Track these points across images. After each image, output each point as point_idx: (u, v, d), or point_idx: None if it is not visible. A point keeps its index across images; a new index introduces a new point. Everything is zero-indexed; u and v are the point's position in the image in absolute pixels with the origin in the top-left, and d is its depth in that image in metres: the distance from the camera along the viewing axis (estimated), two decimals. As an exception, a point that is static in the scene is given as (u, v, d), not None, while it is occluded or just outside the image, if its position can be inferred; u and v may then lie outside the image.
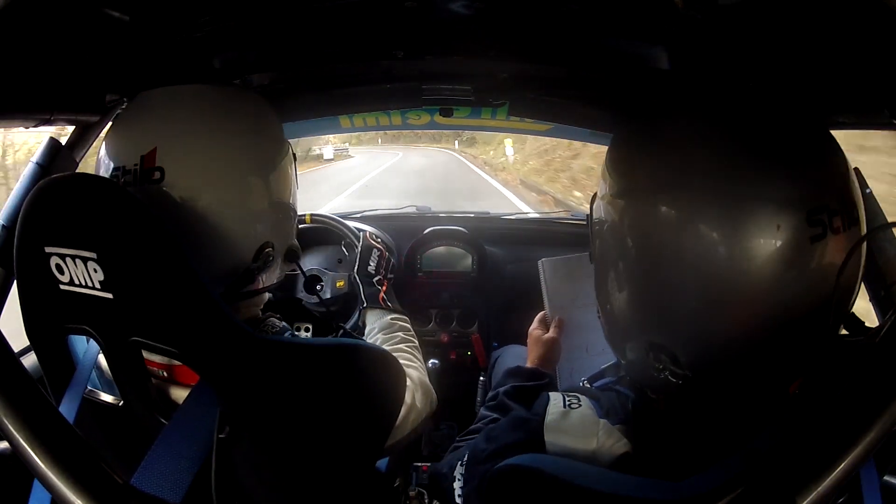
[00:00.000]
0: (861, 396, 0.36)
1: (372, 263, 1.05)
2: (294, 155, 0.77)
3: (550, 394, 0.62)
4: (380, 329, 0.94)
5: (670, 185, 0.49)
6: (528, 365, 0.89)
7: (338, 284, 1.33)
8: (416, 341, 0.94)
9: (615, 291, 0.56)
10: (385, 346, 0.89)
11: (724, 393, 0.52)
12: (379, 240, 1.10)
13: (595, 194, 0.60)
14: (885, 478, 0.50)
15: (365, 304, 0.97)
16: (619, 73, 0.96)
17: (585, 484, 0.48)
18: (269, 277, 0.72)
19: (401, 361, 0.81)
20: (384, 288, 1.00)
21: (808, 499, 0.33)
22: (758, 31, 0.67)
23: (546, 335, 0.91)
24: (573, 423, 0.57)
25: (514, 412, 0.64)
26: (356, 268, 1.04)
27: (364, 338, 0.94)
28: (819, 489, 0.34)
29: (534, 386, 0.80)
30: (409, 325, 0.96)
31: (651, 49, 0.86)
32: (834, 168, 0.50)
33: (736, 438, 0.47)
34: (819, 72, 0.68)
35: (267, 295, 0.77)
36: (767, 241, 0.45)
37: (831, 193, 0.48)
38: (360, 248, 1.06)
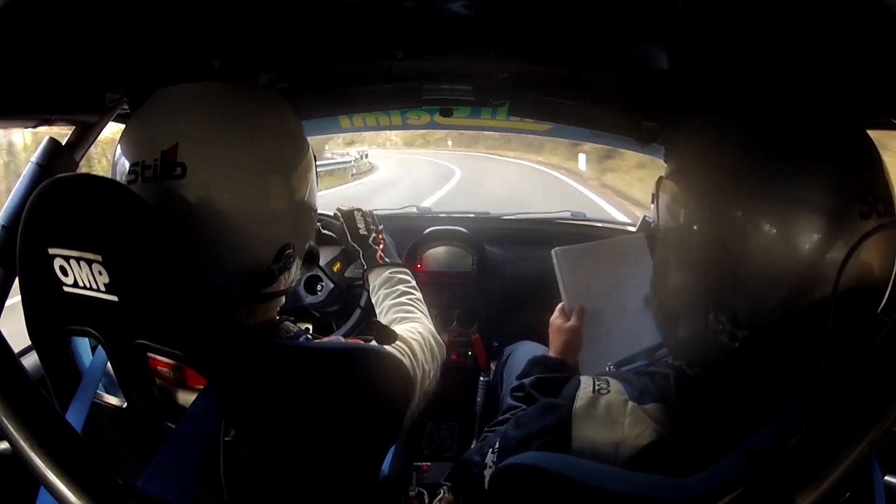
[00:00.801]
0: (862, 395, 0.36)
1: (360, 225, 1.05)
2: (314, 155, 0.75)
3: (581, 378, 0.62)
4: (380, 285, 0.93)
5: (740, 171, 0.55)
6: (552, 354, 0.88)
7: (335, 268, 1.31)
8: (419, 292, 0.94)
9: (677, 266, 0.61)
10: (387, 301, 0.90)
11: (771, 365, 0.55)
12: (350, 206, 1.10)
13: (658, 182, 0.65)
14: (886, 478, 0.50)
15: (366, 267, 0.98)
16: (620, 73, 0.96)
17: (589, 482, 0.48)
18: (289, 279, 0.71)
19: (402, 314, 0.82)
20: (381, 246, 1.01)
21: (810, 498, 0.33)
22: (758, 31, 0.67)
23: (568, 324, 0.91)
24: (600, 411, 0.57)
25: (543, 400, 0.65)
26: (348, 236, 1.04)
27: (371, 297, 0.95)
28: (821, 488, 0.34)
29: (559, 378, 0.79)
30: (409, 277, 0.96)
31: (651, 49, 0.86)
32: (878, 164, 0.56)
33: (768, 418, 0.48)
34: (819, 72, 0.68)
35: (283, 298, 0.75)
36: (827, 216, 0.52)
37: (877, 183, 0.54)
38: (342, 218, 1.06)
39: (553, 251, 0.96)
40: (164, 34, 0.76)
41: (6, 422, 0.42)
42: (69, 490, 0.39)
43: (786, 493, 0.34)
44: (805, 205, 0.52)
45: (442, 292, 1.56)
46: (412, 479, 1.33)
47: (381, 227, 1.07)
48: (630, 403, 0.57)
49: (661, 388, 0.59)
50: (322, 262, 1.35)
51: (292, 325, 0.72)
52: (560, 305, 0.94)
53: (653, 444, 0.54)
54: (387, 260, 0.98)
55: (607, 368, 0.76)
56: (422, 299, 0.92)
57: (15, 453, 0.41)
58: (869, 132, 0.58)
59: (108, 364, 0.64)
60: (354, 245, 1.03)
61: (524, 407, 0.74)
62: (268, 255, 0.64)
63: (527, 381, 0.79)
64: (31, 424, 0.42)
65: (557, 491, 0.49)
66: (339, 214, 1.08)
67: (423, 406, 0.77)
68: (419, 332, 0.80)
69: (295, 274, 0.72)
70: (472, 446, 0.73)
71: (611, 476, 0.49)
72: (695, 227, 0.58)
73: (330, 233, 1.13)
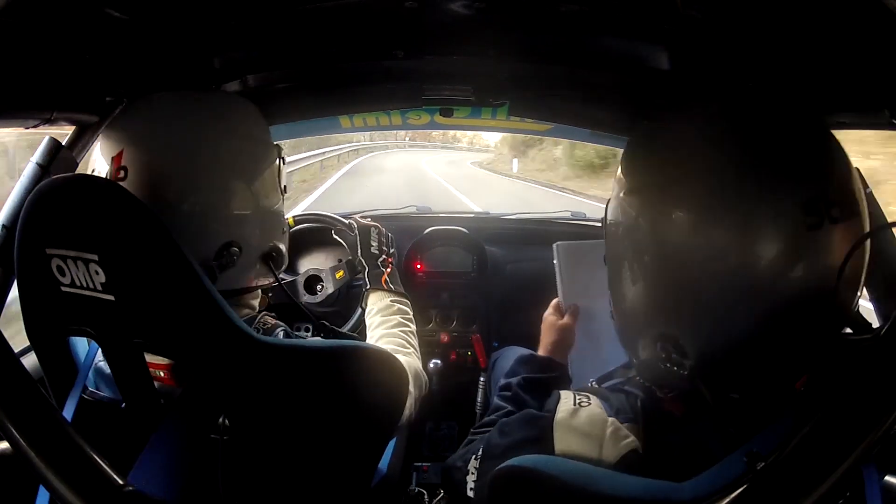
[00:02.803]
0: (861, 397, 0.36)
1: (374, 243, 1.03)
2: (283, 158, 0.79)
3: (561, 392, 0.62)
4: (378, 311, 0.93)
5: (675, 181, 0.52)
6: (541, 352, 0.87)
7: (337, 275, 1.30)
8: (414, 326, 0.93)
9: (626, 287, 0.58)
10: (381, 329, 0.89)
11: (729, 388, 0.53)
12: (369, 219, 1.09)
13: (608, 201, 0.62)
14: (886, 478, 0.50)
15: (368, 286, 0.96)
16: (619, 73, 0.96)
17: (586, 484, 0.48)
18: (241, 277, 0.73)
19: (393, 346, 0.82)
20: (388, 270, 0.99)
21: (810, 498, 0.33)
22: (758, 31, 0.67)
23: (561, 321, 0.89)
24: (582, 421, 0.57)
25: (526, 409, 0.65)
26: (359, 250, 1.02)
27: (365, 317, 0.94)
28: (819, 489, 0.34)
29: (546, 378, 0.80)
30: (408, 309, 0.95)
31: (651, 49, 0.86)
32: (831, 161, 0.51)
33: (742, 437, 0.47)
34: (819, 72, 0.68)
35: (258, 294, 0.79)
36: (767, 230, 0.47)
37: (828, 184, 0.49)
38: (357, 231, 1.04)
39: (555, 244, 0.95)
40: (164, 35, 0.76)
41: (6, 422, 0.42)
42: (68, 490, 0.39)
43: (786, 493, 0.34)
44: (749, 222, 0.48)
45: (442, 292, 1.56)
46: (412, 479, 1.33)
47: (392, 250, 1.05)
48: (609, 419, 0.57)
49: (633, 408, 0.59)
50: (327, 266, 1.36)
51: (270, 318, 0.74)
52: (555, 301, 0.93)
53: (632, 454, 0.54)
54: (391, 286, 0.97)
55: (589, 384, 0.75)
56: (415, 332, 0.92)
57: (15, 453, 0.41)
58: (869, 132, 0.57)
59: (99, 360, 0.65)
60: (362, 260, 1.01)
61: (510, 408, 0.74)
62: (207, 251, 0.67)
63: (514, 380, 0.79)
64: (31, 424, 0.42)
65: (555, 493, 0.49)
66: (355, 226, 1.06)
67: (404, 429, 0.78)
68: (408, 363, 0.80)
69: (251, 273, 0.74)
70: (458, 451, 0.73)
71: (608, 479, 0.49)
72: (640, 253, 0.55)
73: (341, 240, 1.12)
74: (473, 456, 0.66)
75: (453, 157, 23.37)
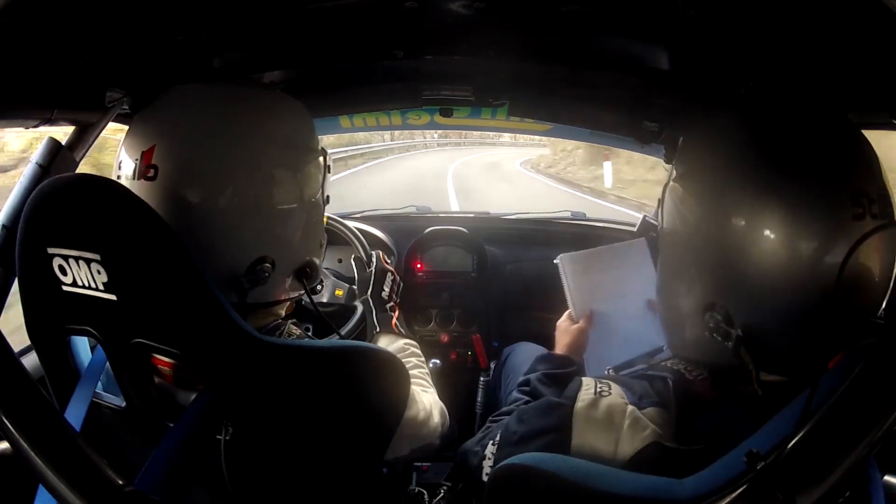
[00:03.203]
0: (862, 396, 0.36)
1: (386, 289, 1.04)
2: (328, 166, 0.72)
3: (583, 379, 0.63)
4: (394, 352, 0.94)
5: (737, 176, 0.56)
6: (557, 352, 0.90)
7: (336, 293, 1.29)
8: (427, 367, 0.95)
9: (683, 269, 0.62)
10: None
11: (767, 365, 0.55)
12: (390, 262, 1.10)
13: (664, 187, 0.66)
14: (886, 477, 0.50)
15: (378, 330, 0.98)
16: (619, 73, 0.96)
17: (586, 482, 0.48)
18: (271, 292, 0.67)
19: (418, 387, 0.81)
20: (396, 314, 1.00)
21: (810, 499, 0.33)
22: (757, 31, 0.67)
23: (575, 325, 0.92)
24: (601, 412, 0.58)
25: (546, 397, 0.65)
26: (370, 290, 1.03)
27: None
28: (819, 489, 0.34)
29: (564, 373, 0.81)
30: (419, 352, 0.96)
31: (651, 49, 0.86)
32: (872, 163, 0.56)
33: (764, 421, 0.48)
34: (819, 72, 0.68)
35: (286, 303, 0.73)
36: (818, 217, 0.52)
37: (870, 183, 0.54)
38: (374, 270, 1.04)
39: (559, 258, 0.97)
40: (165, 34, 0.76)
41: (6, 422, 0.42)
42: (68, 489, 0.39)
43: (786, 493, 0.34)
44: (798, 208, 0.53)
45: (442, 292, 1.56)
46: (412, 479, 1.33)
47: (399, 300, 1.06)
48: (630, 407, 0.57)
49: (660, 392, 0.59)
50: (328, 264, 1.36)
51: (295, 328, 0.71)
52: (567, 312, 0.96)
53: (650, 447, 0.55)
54: (402, 330, 0.98)
55: (606, 372, 0.77)
56: (430, 374, 0.93)
57: (15, 453, 0.41)
58: (869, 133, 0.58)
59: (108, 363, 0.65)
60: (370, 300, 1.02)
61: (528, 399, 0.75)
62: (238, 266, 0.62)
63: (533, 376, 0.80)
64: (31, 424, 0.42)
65: (555, 491, 0.49)
66: (374, 262, 1.07)
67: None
68: (432, 400, 0.82)
69: (283, 288, 0.69)
70: (475, 437, 0.74)
71: (609, 477, 0.49)
72: (696, 229, 0.60)
73: (353, 267, 1.12)
74: (491, 441, 0.66)
75: (493, 156, 18.13)
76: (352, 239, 1.28)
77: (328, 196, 0.75)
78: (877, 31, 0.53)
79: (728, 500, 0.36)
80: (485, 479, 0.64)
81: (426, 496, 1.12)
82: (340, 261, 1.52)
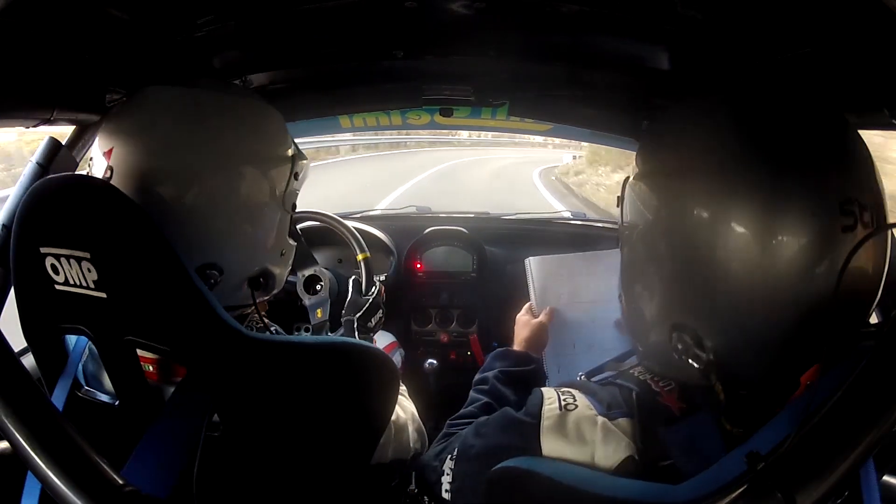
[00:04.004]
0: (861, 396, 0.36)
1: (373, 321, 1.10)
2: (297, 174, 0.70)
3: (543, 390, 0.59)
4: None
5: (708, 175, 0.50)
6: (516, 348, 0.88)
7: (317, 314, 1.28)
8: (404, 385, 0.94)
9: (644, 274, 0.57)
10: None
11: (741, 385, 0.52)
12: (384, 297, 1.15)
13: (625, 181, 0.61)
14: (885, 477, 0.50)
15: None
16: (619, 73, 0.96)
17: (581, 486, 0.48)
18: (225, 299, 0.64)
19: (399, 408, 0.80)
20: (374, 342, 1.05)
21: (810, 498, 0.33)
22: (757, 31, 0.67)
23: (535, 320, 0.91)
24: (570, 429, 0.54)
25: (505, 410, 0.61)
26: (359, 315, 1.07)
27: None
28: (819, 489, 0.34)
29: (522, 371, 0.79)
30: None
31: (651, 49, 0.86)
32: (865, 166, 0.51)
33: (743, 435, 0.46)
34: (818, 72, 0.68)
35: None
36: (802, 228, 0.46)
37: (862, 189, 0.48)
38: (371, 300, 1.10)
39: (527, 260, 0.98)
40: (164, 34, 0.76)
41: (6, 422, 0.42)
42: (68, 490, 0.39)
43: (786, 493, 0.34)
44: (779, 218, 0.46)
45: (442, 292, 1.56)
46: (412, 479, 1.33)
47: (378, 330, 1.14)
48: (600, 419, 0.54)
49: (628, 402, 0.56)
50: (327, 264, 1.36)
51: (258, 319, 0.72)
52: (528, 304, 0.95)
53: (627, 461, 0.52)
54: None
55: (577, 378, 0.73)
56: (407, 395, 0.91)
57: (15, 453, 0.41)
58: (870, 133, 0.57)
59: (88, 358, 0.65)
60: (354, 322, 1.06)
61: (486, 400, 0.73)
62: None
63: (490, 373, 0.78)
64: (31, 424, 0.42)
65: (552, 495, 0.49)
66: (374, 294, 1.12)
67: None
68: (412, 415, 0.83)
69: (237, 294, 0.67)
70: (432, 447, 0.69)
71: (605, 481, 0.48)
72: (662, 235, 0.53)
73: (350, 288, 1.14)
74: (449, 456, 0.62)
75: (503, 159, 14.83)
76: (352, 243, 1.27)
77: (294, 205, 0.73)
78: (876, 30, 0.53)
79: (728, 500, 0.36)
80: (445, 495, 0.61)
81: (426, 496, 1.12)
82: (340, 261, 1.52)
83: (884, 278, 0.51)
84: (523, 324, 0.91)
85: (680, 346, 0.52)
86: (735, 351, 0.50)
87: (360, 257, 1.22)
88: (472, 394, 0.78)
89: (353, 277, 1.18)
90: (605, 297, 0.92)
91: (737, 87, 0.55)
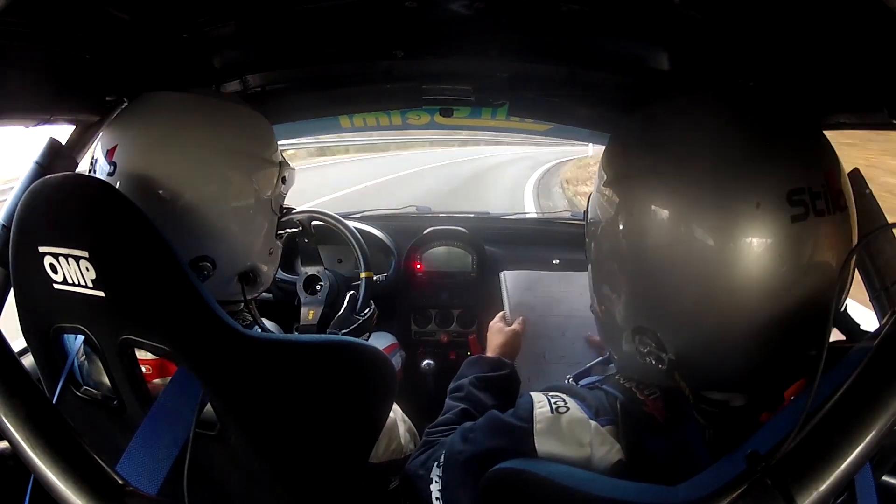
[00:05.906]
0: (862, 396, 0.36)
1: (366, 336, 1.15)
2: (284, 178, 0.76)
3: (533, 395, 0.59)
4: None
5: (657, 172, 0.50)
6: (489, 354, 0.88)
7: (309, 315, 1.29)
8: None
9: (606, 281, 0.58)
10: None
11: (710, 385, 0.52)
12: (374, 321, 1.19)
13: (591, 193, 0.61)
14: (884, 478, 0.50)
15: None
16: (619, 73, 0.96)
17: (578, 487, 0.47)
18: (214, 291, 0.67)
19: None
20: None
21: (809, 499, 0.33)
22: (757, 31, 0.67)
23: (509, 327, 0.93)
24: (565, 431, 0.54)
25: (492, 414, 0.60)
26: (344, 332, 1.09)
27: None
28: (819, 490, 0.34)
29: (498, 376, 0.80)
30: None
31: (651, 49, 0.86)
32: (817, 153, 0.50)
33: (729, 441, 0.46)
34: (818, 71, 0.68)
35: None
36: (748, 221, 0.45)
37: (814, 176, 0.47)
38: (360, 322, 1.13)
39: (501, 273, 1.01)
40: (164, 35, 0.76)
41: (6, 422, 0.42)
42: (68, 490, 0.39)
43: (786, 493, 0.34)
44: (726, 209, 0.46)
45: (441, 292, 1.56)
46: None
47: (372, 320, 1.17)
48: (592, 423, 0.54)
49: (614, 409, 0.56)
50: (327, 264, 1.36)
51: (249, 315, 0.75)
52: (501, 314, 0.97)
53: (619, 464, 0.52)
54: None
55: (566, 381, 0.73)
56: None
57: (15, 453, 0.41)
58: (871, 133, 0.56)
59: (86, 358, 0.65)
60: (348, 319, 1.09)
61: (464, 406, 0.73)
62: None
63: (465, 381, 0.78)
64: (31, 424, 0.42)
65: (548, 496, 0.49)
66: (370, 314, 1.15)
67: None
68: (401, 415, 0.84)
69: (227, 288, 0.71)
70: (415, 456, 0.69)
71: (602, 482, 0.48)
72: (616, 235, 0.54)
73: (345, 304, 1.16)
74: (436, 463, 0.62)
75: (503, 156, 13.49)
76: (359, 255, 1.27)
77: (282, 207, 0.79)
78: (876, 30, 0.53)
79: (727, 500, 0.36)
80: (435, 503, 0.60)
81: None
82: (340, 261, 1.52)
83: (852, 269, 0.50)
84: (497, 331, 0.93)
85: (643, 349, 0.53)
86: (695, 351, 0.50)
87: (363, 274, 1.22)
88: (448, 401, 0.77)
89: (352, 293, 1.18)
90: (576, 312, 0.96)
91: (691, 91, 0.55)
